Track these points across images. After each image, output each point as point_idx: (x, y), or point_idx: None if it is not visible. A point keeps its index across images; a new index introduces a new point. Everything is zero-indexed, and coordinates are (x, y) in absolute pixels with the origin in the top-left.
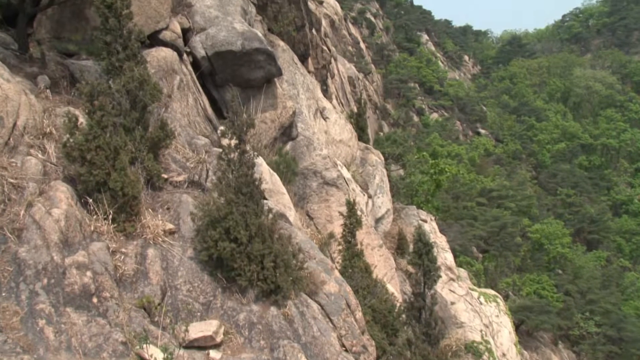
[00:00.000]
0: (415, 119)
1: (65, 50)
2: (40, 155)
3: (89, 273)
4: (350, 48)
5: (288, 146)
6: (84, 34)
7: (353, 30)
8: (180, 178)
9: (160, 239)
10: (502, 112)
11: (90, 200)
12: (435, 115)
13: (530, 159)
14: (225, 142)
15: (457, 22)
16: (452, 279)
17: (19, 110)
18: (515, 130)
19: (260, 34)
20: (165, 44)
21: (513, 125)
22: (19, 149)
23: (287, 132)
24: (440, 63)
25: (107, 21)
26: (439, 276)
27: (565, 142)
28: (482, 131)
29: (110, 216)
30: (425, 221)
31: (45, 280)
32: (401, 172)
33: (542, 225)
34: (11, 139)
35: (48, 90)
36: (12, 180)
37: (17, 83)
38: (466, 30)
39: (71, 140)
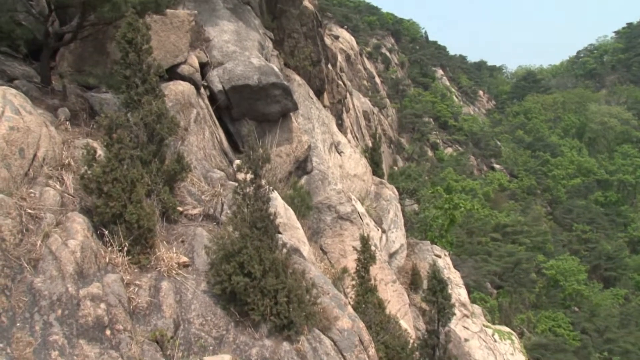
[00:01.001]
0: (430, 153)
1: (86, 83)
2: (58, 186)
3: (102, 305)
4: (365, 82)
5: (303, 180)
6: (104, 67)
7: (368, 64)
8: (196, 211)
9: (174, 271)
10: (517, 147)
11: (106, 232)
12: (449, 150)
13: (545, 194)
14: (241, 176)
15: (472, 58)
16: (466, 316)
17: (40, 141)
18: (530, 166)
19: (276, 69)
20: (183, 77)
21: (528, 160)
22: (38, 179)
23: (302, 166)
24: (454, 98)
25: (127, 56)
26: (454, 314)
27: (581, 178)
28: (497, 166)
29: (125, 248)
30: (439, 256)
31: (60, 312)
32: (415, 206)
33: (558, 261)
34: (31, 169)
35: (68, 122)
36: (30, 211)
37: (38, 115)
38: (481, 65)
39: (89, 172)
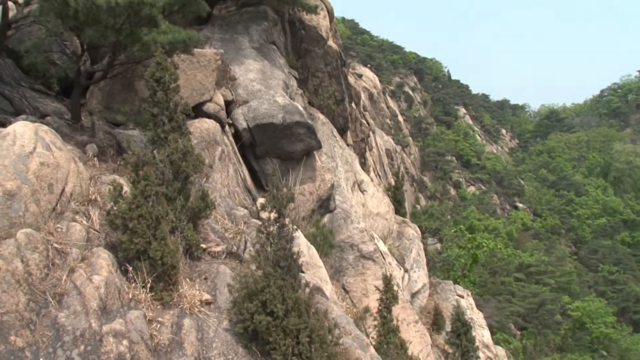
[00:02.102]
0: (452, 192)
1: (114, 120)
2: (84, 222)
3: (125, 342)
4: (388, 121)
5: (325, 218)
6: (132, 105)
7: (391, 103)
8: (219, 248)
9: (196, 309)
10: (540, 186)
11: (130, 268)
12: (472, 189)
13: (569, 234)
14: (264, 215)
15: (495, 96)
16: (490, 358)
17: (68, 177)
18: (553, 205)
19: (301, 108)
20: (208, 115)
21: (551, 199)
22: (65, 214)
23: (325, 204)
24: (477, 136)
25: (155, 94)
26: (478, 357)
27: (606, 218)
28: (520, 205)
29: (149, 284)
30: (461, 296)
31: (82, 347)
32: (438, 246)
33: (584, 302)
34: (59, 205)
35: (95, 158)
36: (57, 246)
37: (68, 151)
38: (503, 104)
39: (115, 208)
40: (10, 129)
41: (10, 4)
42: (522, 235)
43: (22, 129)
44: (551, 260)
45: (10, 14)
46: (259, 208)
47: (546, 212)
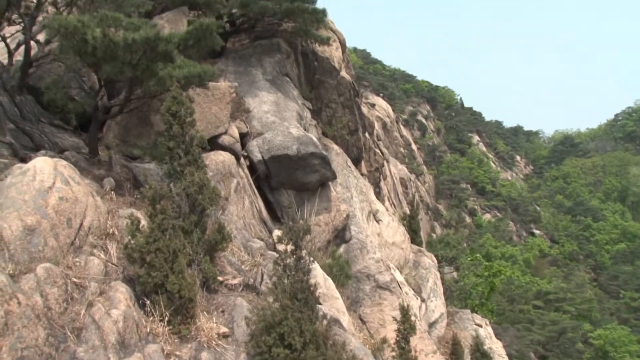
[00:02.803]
0: (468, 219)
1: (130, 154)
2: (102, 256)
3: None
4: (402, 149)
5: (341, 249)
6: (148, 138)
7: (405, 131)
8: (236, 281)
9: (214, 342)
10: (557, 212)
11: (148, 302)
12: (488, 216)
13: (588, 260)
14: (281, 247)
15: (508, 123)
16: None
17: (86, 211)
18: (571, 231)
19: (315, 139)
20: (223, 147)
21: (568, 225)
22: (84, 248)
23: (341, 235)
24: (492, 163)
25: (171, 128)
26: None
27: (626, 243)
28: (537, 232)
29: (166, 318)
30: (480, 325)
31: None
32: (455, 274)
33: (606, 330)
34: (77, 239)
35: (113, 192)
36: (75, 280)
37: (86, 185)
38: (517, 130)
39: (132, 242)
40: (30, 164)
41: (32, 43)
42: (539, 262)
43: (42, 165)
44: (570, 287)
45: (32, 52)
46: (276, 240)
47: (563, 238)
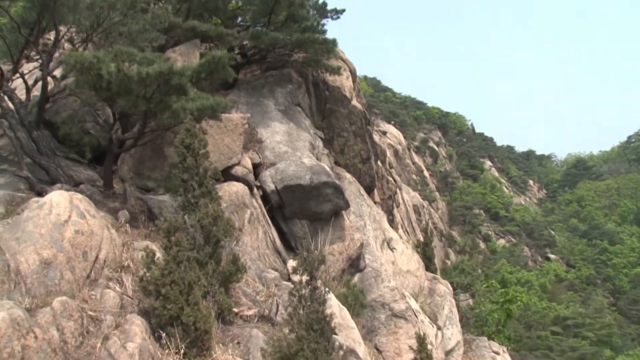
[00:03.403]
0: (482, 245)
1: (145, 186)
2: (118, 288)
3: None
4: (414, 176)
5: (356, 278)
6: (162, 170)
7: (416, 158)
8: (251, 312)
9: None
10: (572, 236)
11: (164, 334)
12: (502, 242)
13: (606, 284)
14: (296, 277)
15: (520, 148)
16: None
17: (101, 244)
18: (587, 255)
19: (327, 168)
20: (237, 178)
21: (584, 249)
22: (99, 281)
23: (355, 263)
24: (504, 188)
25: (185, 160)
26: None
27: None
28: (552, 256)
29: (182, 350)
30: (497, 353)
31: None
32: (470, 301)
33: (628, 357)
34: (92, 272)
35: (127, 225)
36: (91, 313)
37: (101, 218)
38: (529, 154)
39: (148, 274)
40: (47, 198)
41: (48, 78)
42: (556, 287)
43: (58, 198)
44: (589, 312)
45: (49, 87)
46: (291, 271)
47: (580, 262)
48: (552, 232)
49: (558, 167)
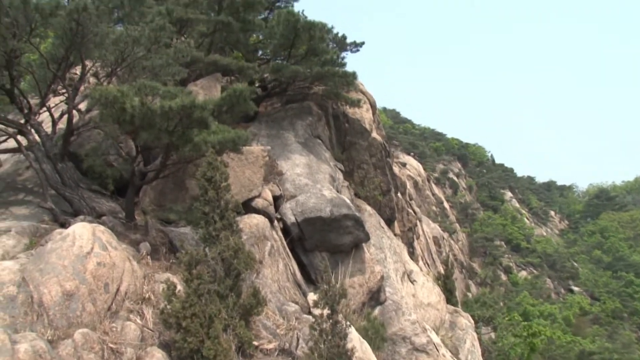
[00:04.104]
0: (503, 277)
1: (166, 219)
2: (138, 321)
3: None
4: (434, 208)
5: (376, 311)
6: (183, 202)
7: (436, 190)
8: (271, 346)
9: None
10: (596, 268)
11: None
12: (524, 273)
13: (633, 317)
14: (317, 311)
15: (540, 178)
16: None
17: (123, 276)
18: (612, 287)
19: (348, 200)
20: (257, 210)
21: (609, 281)
22: (120, 313)
23: (375, 296)
24: (525, 220)
25: (206, 193)
26: None
27: None
28: (576, 289)
29: None
30: None
31: None
32: (492, 335)
33: None
34: (114, 304)
35: (149, 257)
36: (112, 345)
37: (122, 250)
38: (550, 185)
39: (168, 307)
40: (70, 230)
41: (73, 111)
42: (580, 320)
43: (81, 230)
44: (616, 346)
45: (74, 120)
46: (311, 304)
47: (605, 295)
48: (575, 264)
49: (580, 198)
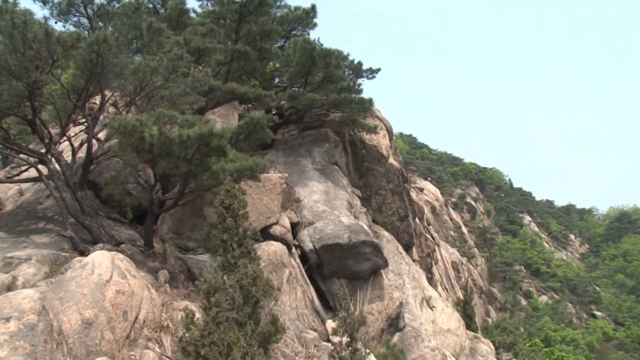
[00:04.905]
0: (523, 302)
1: (184, 246)
2: (157, 349)
3: None
4: (452, 233)
5: (395, 337)
6: (201, 230)
7: (454, 215)
8: None
9: None
10: (619, 292)
11: None
12: (544, 298)
13: None
14: (336, 339)
15: (559, 202)
16: None
17: (141, 304)
18: (636, 312)
19: (365, 226)
20: (275, 237)
21: (633, 306)
22: (139, 342)
23: (394, 323)
24: (545, 244)
25: (224, 221)
26: None
27: None
28: (598, 313)
29: None
30: None
31: None
32: None
33: None
34: (132, 332)
35: (167, 284)
36: None
37: (141, 278)
38: (569, 209)
39: (187, 335)
40: (89, 258)
41: (93, 141)
42: (604, 346)
43: (100, 259)
44: None
45: (93, 149)
46: (330, 332)
47: (629, 320)
48: (597, 288)
49: (600, 221)
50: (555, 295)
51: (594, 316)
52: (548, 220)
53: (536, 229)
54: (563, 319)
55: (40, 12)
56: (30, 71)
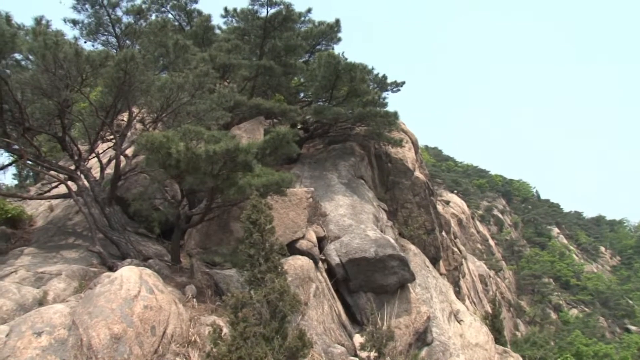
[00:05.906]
0: (553, 316)
1: (211, 261)
2: None
3: None
4: (479, 246)
5: (423, 352)
6: (228, 244)
7: (481, 227)
8: None
9: None
10: None
11: None
12: (574, 311)
13: None
14: (364, 354)
15: (588, 213)
16: None
17: (169, 319)
18: None
19: (392, 240)
20: (301, 252)
21: None
22: (166, 356)
23: (422, 337)
24: (574, 256)
25: (251, 235)
26: None
27: None
28: (632, 327)
29: None
30: None
31: None
32: None
33: None
34: (160, 347)
35: (194, 299)
36: None
37: (169, 293)
38: (599, 220)
39: (214, 350)
40: (118, 273)
41: (121, 157)
42: None
43: (128, 274)
44: None
45: (121, 166)
46: (358, 347)
47: None
48: (630, 301)
49: (632, 232)
50: (586, 309)
51: (627, 330)
52: (577, 232)
53: (565, 241)
54: (595, 333)
55: (70, 33)
56: (60, 90)
